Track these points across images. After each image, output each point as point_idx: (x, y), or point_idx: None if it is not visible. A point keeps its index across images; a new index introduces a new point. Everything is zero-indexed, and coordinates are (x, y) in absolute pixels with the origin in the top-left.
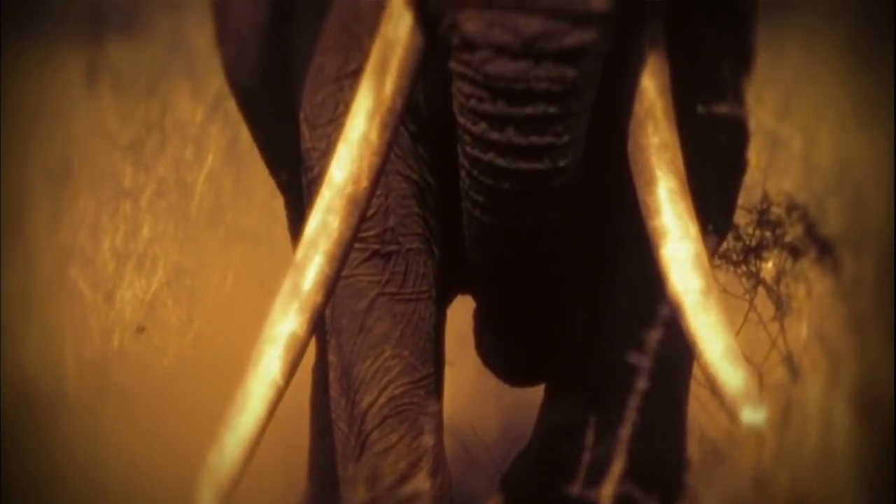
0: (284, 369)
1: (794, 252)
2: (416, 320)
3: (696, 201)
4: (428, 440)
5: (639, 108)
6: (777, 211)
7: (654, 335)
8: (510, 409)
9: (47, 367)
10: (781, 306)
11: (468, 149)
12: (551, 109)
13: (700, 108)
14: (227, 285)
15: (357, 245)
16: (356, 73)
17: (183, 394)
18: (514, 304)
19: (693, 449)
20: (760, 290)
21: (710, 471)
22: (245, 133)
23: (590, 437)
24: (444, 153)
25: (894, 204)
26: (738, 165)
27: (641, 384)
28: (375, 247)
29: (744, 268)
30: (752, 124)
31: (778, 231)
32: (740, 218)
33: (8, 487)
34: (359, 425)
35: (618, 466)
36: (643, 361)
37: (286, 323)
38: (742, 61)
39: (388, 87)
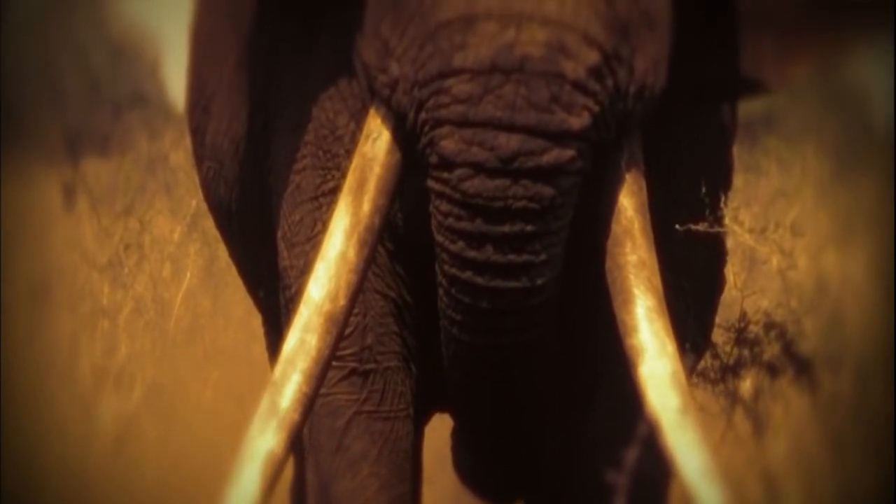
0: (263, 487)
1: (772, 370)
2: (394, 438)
3: (674, 319)
4: None
5: (616, 227)
6: (755, 329)
7: (632, 453)
8: None
9: (26, 484)
10: (759, 425)
11: (446, 267)
12: (529, 227)
13: (678, 227)
14: (205, 403)
15: (335, 363)
16: (334, 192)
17: None
18: (492, 422)
19: None
20: (738, 408)
21: None
22: (223, 251)
23: None
24: (421, 271)
25: None
26: (715, 284)
27: (620, 502)
28: (353, 365)
29: (721, 386)
30: (730, 242)
31: (756, 349)
32: (718, 336)
33: None
34: None
35: None
36: (621, 479)
37: (264, 441)
38: (719, 179)
39: (366, 205)
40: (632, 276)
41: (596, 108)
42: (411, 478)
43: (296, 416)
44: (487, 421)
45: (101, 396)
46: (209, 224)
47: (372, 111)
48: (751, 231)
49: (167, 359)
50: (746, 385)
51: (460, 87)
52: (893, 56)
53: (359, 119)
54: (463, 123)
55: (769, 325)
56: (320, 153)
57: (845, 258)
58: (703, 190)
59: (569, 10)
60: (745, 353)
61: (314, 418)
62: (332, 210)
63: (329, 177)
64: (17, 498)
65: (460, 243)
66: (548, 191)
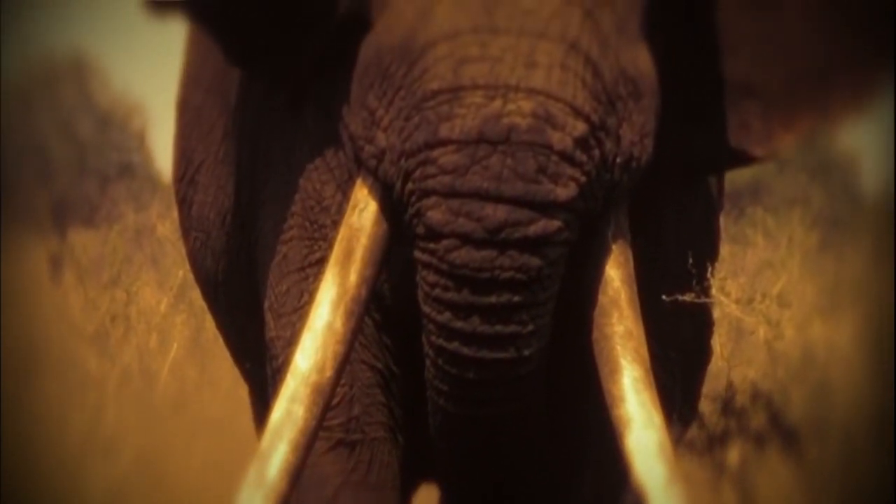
0: None
1: (759, 441)
2: None
3: (661, 390)
4: None
5: (603, 297)
6: (741, 399)
7: None
8: None
9: None
10: (746, 495)
11: (433, 338)
12: (516, 298)
13: (665, 297)
14: (192, 473)
15: (322, 434)
16: (321, 263)
17: None
18: (479, 492)
19: None
20: (725, 478)
21: None
22: (210, 322)
23: None
24: (408, 342)
25: None
26: (702, 354)
27: None
28: (340, 436)
29: (708, 456)
30: (717, 313)
31: (742, 420)
32: (705, 406)
33: None
34: None
35: None
36: None
37: None
38: (706, 250)
39: (353, 276)
40: (619, 347)
41: (583, 179)
42: None
43: (283, 487)
44: (475, 491)
45: (89, 466)
46: (196, 295)
47: (359, 182)
48: (737, 302)
49: (154, 429)
50: (733, 455)
51: (447, 157)
52: (894, 125)
53: (346, 190)
54: (450, 194)
55: (756, 396)
56: (307, 224)
57: (832, 328)
58: (690, 260)
59: (555, 80)
60: (732, 423)
61: (301, 489)
62: (319, 281)
63: (316, 247)
64: None
65: (447, 314)
66: (535, 261)
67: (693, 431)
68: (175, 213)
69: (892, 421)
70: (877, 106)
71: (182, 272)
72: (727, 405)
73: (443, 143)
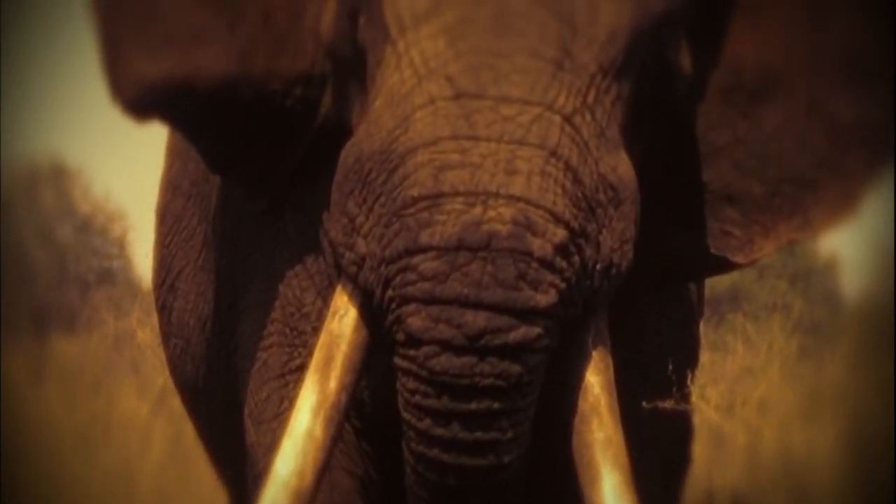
0: None
1: None
2: None
3: (641, 496)
4: None
5: (583, 404)
6: None
7: None
8: None
9: None
10: None
11: (413, 444)
12: (496, 405)
13: (645, 404)
14: None
15: None
16: (300, 369)
17: None
18: None
19: None
20: None
21: None
22: (190, 428)
23: None
24: (388, 449)
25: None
26: (682, 461)
27: None
28: None
29: None
30: (697, 420)
31: None
32: None
33: None
34: None
35: None
36: None
37: None
38: (686, 357)
39: (333, 383)
40: (599, 454)
41: (563, 286)
42: None
43: None
44: None
45: None
46: (176, 401)
47: (339, 288)
48: (717, 408)
49: None
50: None
51: (427, 264)
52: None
53: (326, 296)
54: (430, 301)
55: (736, 502)
56: (287, 330)
57: (812, 434)
58: (671, 367)
59: (535, 187)
60: None
61: None
62: (299, 387)
63: (296, 354)
64: None
65: (427, 421)
66: (515, 368)
67: None
68: (155, 320)
69: None
70: (857, 214)
71: (162, 379)
72: None
73: (423, 249)
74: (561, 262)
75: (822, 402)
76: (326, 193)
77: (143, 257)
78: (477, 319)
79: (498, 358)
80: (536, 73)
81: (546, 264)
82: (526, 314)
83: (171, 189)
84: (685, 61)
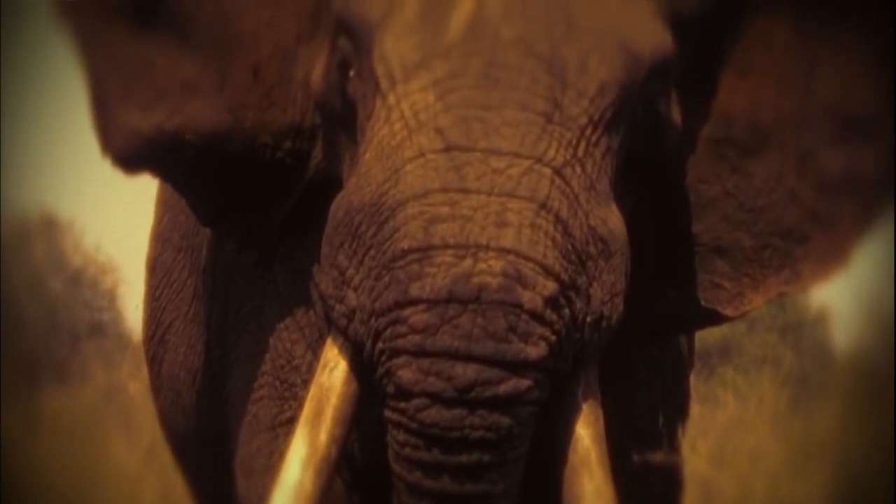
0: None
1: None
2: None
3: None
4: None
5: (573, 456)
6: None
7: None
8: None
9: None
10: None
11: (403, 497)
12: (486, 458)
13: (635, 457)
14: None
15: None
16: (290, 422)
17: None
18: None
19: None
20: None
21: None
22: (180, 481)
23: None
24: (378, 502)
25: None
26: None
27: None
28: None
29: None
30: (687, 471)
31: None
32: None
33: None
34: None
35: None
36: None
37: None
38: (676, 409)
39: (323, 435)
40: None
41: (553, 338)
42: None
43: None
44: None
45: None
46: (166, 454)
47: (329, 341)
48: (708, 460)
49: None
50: None
51: (417, 317)
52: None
53: (316, 349)
54: (420, 353)
55: None
56: (277, 383)
57: (801, 487)
58: (660, 419)
59: (525, 240)
60: None
61: None
62: (289, 440)
63: (286, 406)
64: None
65: (417, 473)
66: (505, 421)
67: None
68: (145, 372)
69: None
70: (847, 268)
71: (152, 431)
72: None
73: (413, 302)
74: (551, 315)
75: (812, 454)
76: (316, 246)
77: (133, 310)
78: (467, 372)
79: (488, 410)
80: (526, 125)
81: (536, 317)
82: (516, 367)
83: (162, 241)
84: (675, 114)
